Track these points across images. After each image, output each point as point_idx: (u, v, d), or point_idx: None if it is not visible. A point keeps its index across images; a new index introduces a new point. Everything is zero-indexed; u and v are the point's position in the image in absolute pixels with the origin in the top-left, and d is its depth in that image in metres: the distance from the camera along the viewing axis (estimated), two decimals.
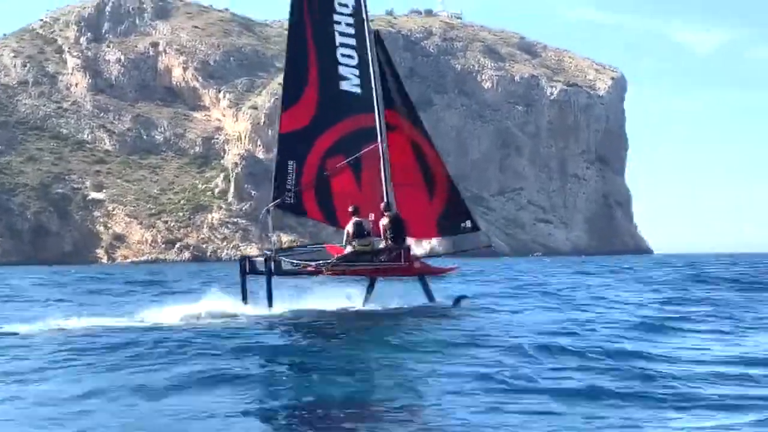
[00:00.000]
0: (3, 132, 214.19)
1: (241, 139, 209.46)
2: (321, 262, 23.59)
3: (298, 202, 25.00)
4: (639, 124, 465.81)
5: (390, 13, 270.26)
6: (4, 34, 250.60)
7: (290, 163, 24.69)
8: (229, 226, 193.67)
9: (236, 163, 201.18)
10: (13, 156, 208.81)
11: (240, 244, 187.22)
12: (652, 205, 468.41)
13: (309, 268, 23.59)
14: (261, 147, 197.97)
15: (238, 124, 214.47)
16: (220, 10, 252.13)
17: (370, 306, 24.11)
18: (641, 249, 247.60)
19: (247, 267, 23.81)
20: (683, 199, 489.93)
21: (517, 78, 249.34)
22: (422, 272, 24.45)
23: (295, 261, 23.82)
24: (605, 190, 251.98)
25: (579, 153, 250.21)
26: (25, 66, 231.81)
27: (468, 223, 25.84)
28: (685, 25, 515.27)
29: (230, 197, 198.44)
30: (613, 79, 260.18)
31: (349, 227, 23.71)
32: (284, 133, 24.96)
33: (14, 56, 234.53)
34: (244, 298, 23.65)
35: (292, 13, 24.94)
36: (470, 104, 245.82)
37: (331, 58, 24.73)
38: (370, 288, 24.82)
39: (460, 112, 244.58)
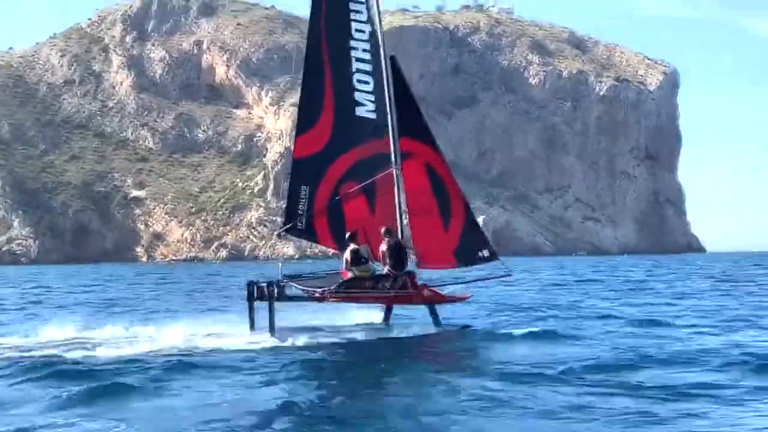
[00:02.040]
0: (48, 131, 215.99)
1: (281, 137, 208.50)
2: (324, 288, 23.00)
3: (310, 228, 24.49)
4: (697, 119, 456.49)
5: (440, 9, 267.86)
6: (54, 34, 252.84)
7: (303, 188, 24.18)
8: (268, 224, 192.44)
9: (275, 161, 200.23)
10: (57, 155, 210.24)
11: (277, 243, 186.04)
12: (708, 203, 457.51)
13: (315, 295, 23.01)
14: None
15: (279, 121, 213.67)
16: (265, 7, 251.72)
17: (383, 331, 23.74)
18: (694, 248, 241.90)
19: (254, 293, 22.88)
20: (740, 196, 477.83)
21: (564, 74, 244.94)
22: (431, 300, 23.77)
23: (299, 287, 23.22)
24: (656, 187, 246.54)
25: (628, 150, 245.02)
26: (72, 65, 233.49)
27: (485, 252, 24.75)
28: (753, 13, 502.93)
29: (269, 195, 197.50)
30: (664, 74, 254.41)
31: (346, 255, 23.26)
32: (298, 157, 24.50)
33: (61, 55, 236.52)
34: (252, 326, 22.85)
35: (309, 38, 24.57)
36: (517, 101, 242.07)
37: (347, 84, 24.34)
38: (388, 312, 24.69)
39: (507, 108, 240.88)
